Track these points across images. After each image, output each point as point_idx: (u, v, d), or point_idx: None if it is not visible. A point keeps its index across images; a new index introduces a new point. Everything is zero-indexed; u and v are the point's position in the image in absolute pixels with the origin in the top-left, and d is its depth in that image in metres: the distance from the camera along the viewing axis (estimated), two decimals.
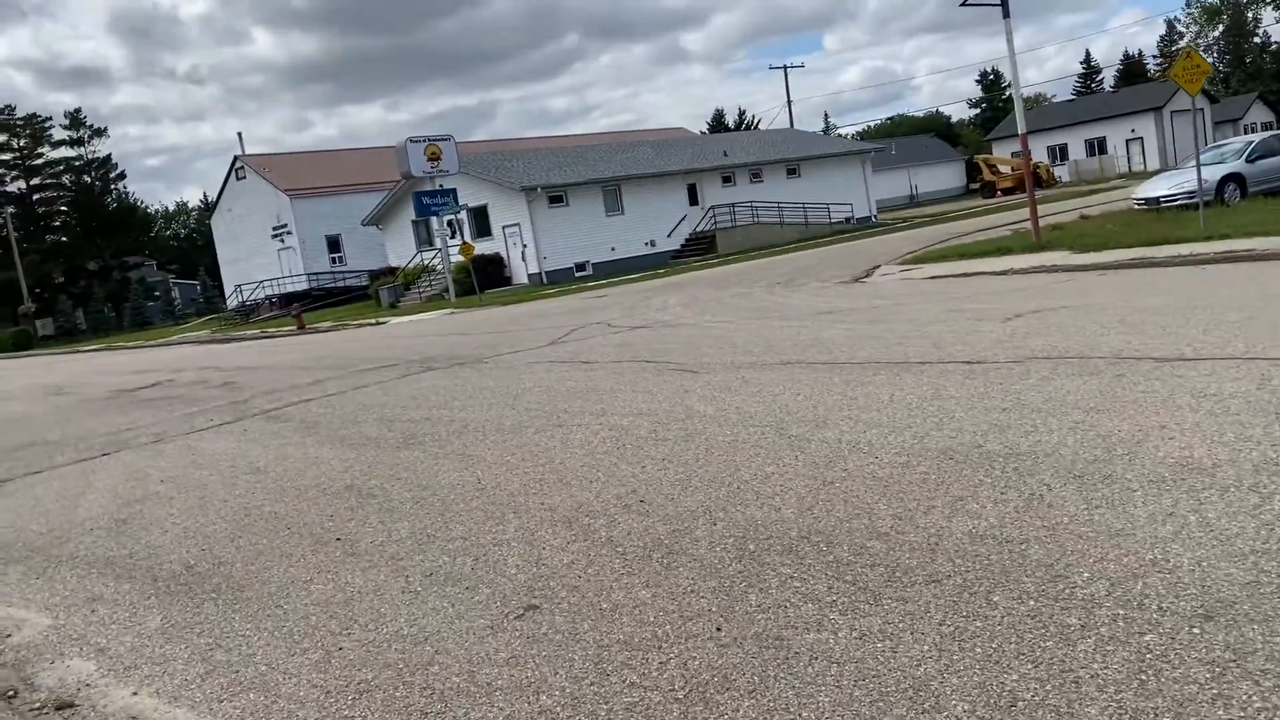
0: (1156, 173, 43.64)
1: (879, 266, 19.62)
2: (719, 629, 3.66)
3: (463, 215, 35.84)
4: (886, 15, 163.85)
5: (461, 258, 33.18)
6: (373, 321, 29.45)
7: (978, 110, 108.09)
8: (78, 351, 45.87)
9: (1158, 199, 20.87)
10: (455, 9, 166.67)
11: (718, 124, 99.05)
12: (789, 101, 61.72)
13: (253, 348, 26.15)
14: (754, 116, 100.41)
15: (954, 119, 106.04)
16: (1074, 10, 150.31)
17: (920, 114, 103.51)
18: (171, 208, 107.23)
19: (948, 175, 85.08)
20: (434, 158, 33.16)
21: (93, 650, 4.58)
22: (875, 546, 4.21)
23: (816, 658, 3.33)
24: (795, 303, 15.22)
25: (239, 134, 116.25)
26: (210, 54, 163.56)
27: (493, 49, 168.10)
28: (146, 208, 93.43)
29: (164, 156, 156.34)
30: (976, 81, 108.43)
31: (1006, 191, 61.82)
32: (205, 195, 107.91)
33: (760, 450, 6.02)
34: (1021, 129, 19.13)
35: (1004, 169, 65.69)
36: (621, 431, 7.17)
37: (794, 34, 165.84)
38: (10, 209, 70.17)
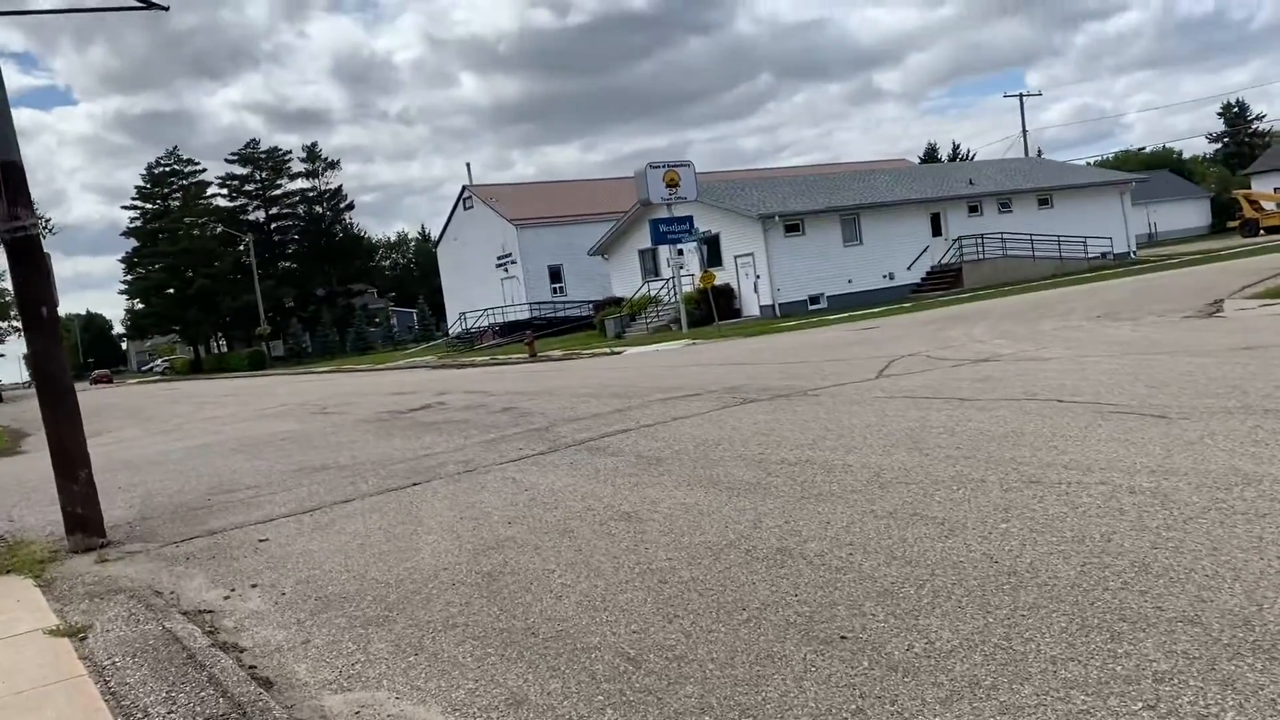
0: None
1: (1222, 300, 16.70)
2: None
3: (695, 244, 34.66)
4: (1096, 51, 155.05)
5: (697, 286, 31.86)
6: (606, 351, 28.42)
7: (1219, 145, 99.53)
8: (312, 372, 47.56)
9: None
10: (652, 52, 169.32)
11: (929, 158, 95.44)
12: (1024, 131, 58.00)
13: (497, 373, 25.54)
14: (969, 150, 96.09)
15: (1184, 154, 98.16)
16: None
17: (1148, 150, 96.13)
18: (392, 238, 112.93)
19: (1189, 213, 79.04)
20: (672, 184, 32.09)
21: None
22: None
23: None
24: (1162, 338, 12.70)
25: (467, 165, 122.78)
26: (420, 96, 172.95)
27: (687, 90, 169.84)
28: (370, 238, 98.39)
29: (376, 193, 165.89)
30: (1219, 114, 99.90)
31: (1271, 230, 55.77)
32: (424, 227, 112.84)
33: None
34: None
35: (1268, 205, 59.30)
36: (1153, 495, 5.16)
37: (993, 71, 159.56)
38: (250, 236, 74.90)
